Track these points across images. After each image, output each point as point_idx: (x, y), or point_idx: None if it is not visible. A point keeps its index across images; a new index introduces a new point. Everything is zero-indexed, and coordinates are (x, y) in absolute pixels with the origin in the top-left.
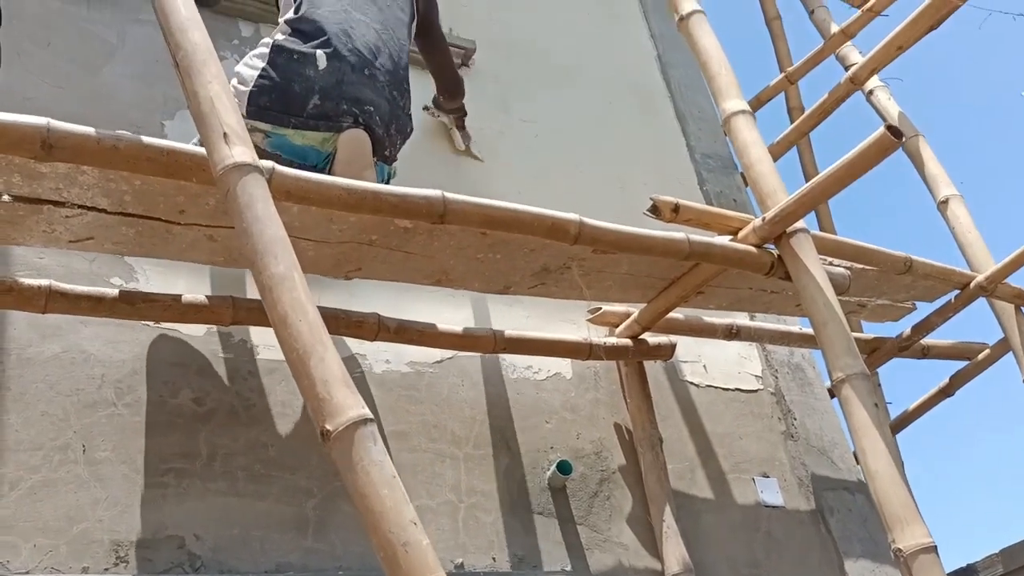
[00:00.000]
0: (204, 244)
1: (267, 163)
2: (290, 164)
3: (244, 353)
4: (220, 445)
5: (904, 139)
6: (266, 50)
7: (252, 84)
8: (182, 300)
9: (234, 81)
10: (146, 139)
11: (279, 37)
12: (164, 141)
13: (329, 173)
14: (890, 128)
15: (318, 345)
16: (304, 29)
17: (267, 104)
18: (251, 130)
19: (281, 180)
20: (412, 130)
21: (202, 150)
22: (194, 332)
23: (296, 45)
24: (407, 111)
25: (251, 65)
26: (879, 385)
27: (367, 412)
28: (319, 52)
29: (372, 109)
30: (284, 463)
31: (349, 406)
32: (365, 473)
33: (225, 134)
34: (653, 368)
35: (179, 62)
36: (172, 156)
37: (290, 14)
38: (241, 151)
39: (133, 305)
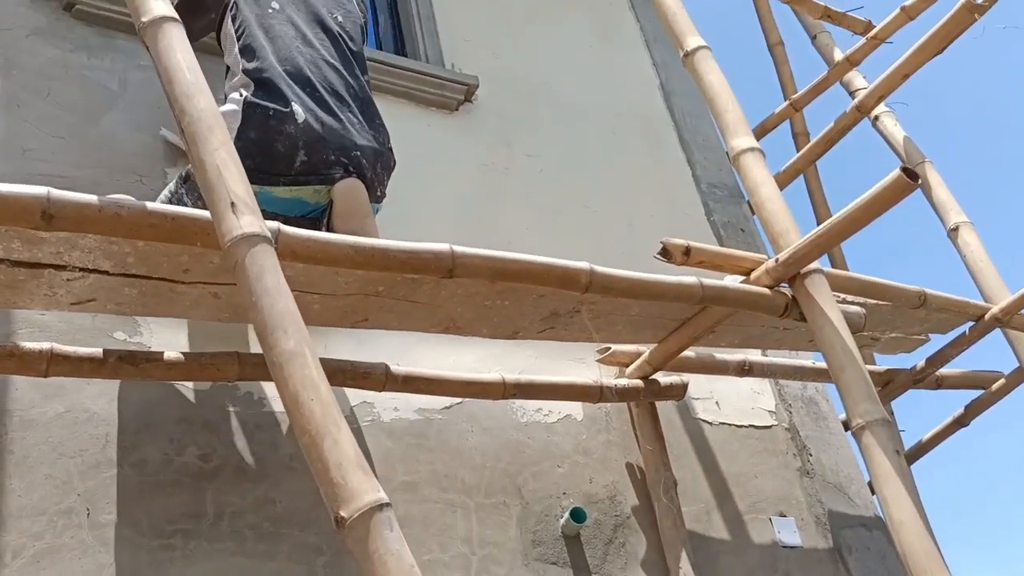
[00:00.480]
0: (209, 301)
1: (273, 224)
2: (274, 217)
3: (251, 406)
4: (227, 503)
5: (919, 181)
6: (236, 107)
7: None
8: (186, 358)
9: None
10: (150, 205)
11: (245, 95)
12: (168, 207)
13: (327, 224)
14: (905, 170)
15: (331, 426)
16: (267, 80)
17: (252, 167)
18: None
19: (288, 241)
20: (395, 163)
21: (207, 214)
22: (200, 386)
23: (267, 102)
24: (387, 145)
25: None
26: (892, 414)
27: (383, 496)
28: (295, 107)
29: (359, 154)
30: (293, 520)
31: (365, 491)
32: (382, 564)
33: (233, 203)
34: (665, 406)
35: (184, 128)
36: (177, 222)
37: (238, 59)
38: (249, 220)
39: (136, 366)
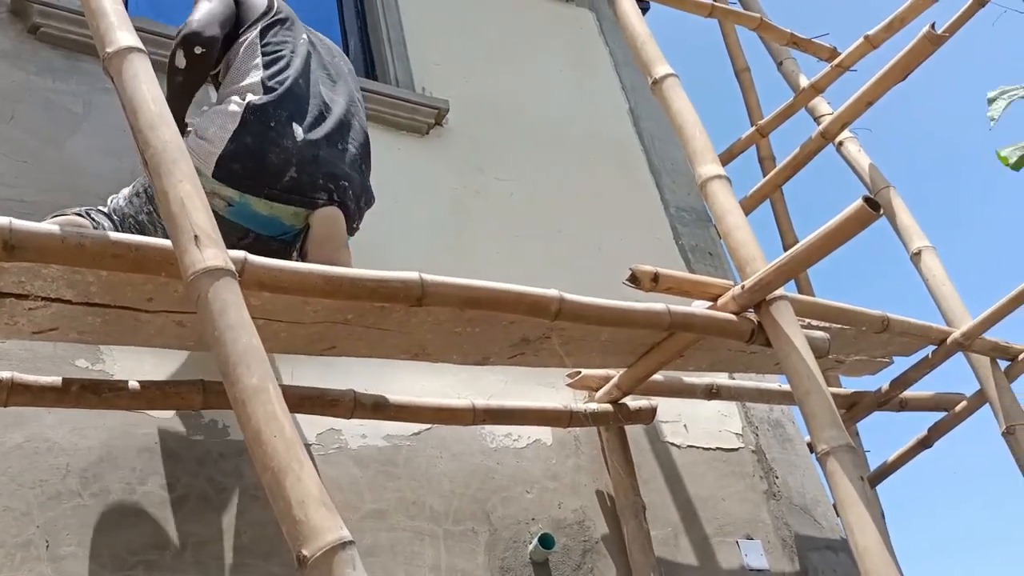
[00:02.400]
0: (173, 330)
1: (239, 254)
2: (245, 233)
3: (215, 434)
4: (191, 533)
5: (881, 211)
6: (238, 109)
7: (223, 146)
8: (150, 387)
9: (192, 136)
10: (113, 236)
11: (251, 99)
12: (131, 237)
13: (301, 249)
14: (868, 200)
15: (294, 463)
16: (283, 93)
17: (240, 171)
18: (212, 194)
19: (254, 271)
20: (374, 200)
21: (170, 244)
22: (163, 415)
23: (273, 110)
24: (369, 182)
25: (218, 124)
26: (857, 434)
27: (346, 534)
28: (295, 125)
29: (347, 184)
30: (258, 550)
31: (327, 529)
32: None
33: (196, 236)
34: (634, 429)
35: (148, 160)
36: (140, 252)
37: (258, 67)
38: (213, 254)
39: (99, 395)
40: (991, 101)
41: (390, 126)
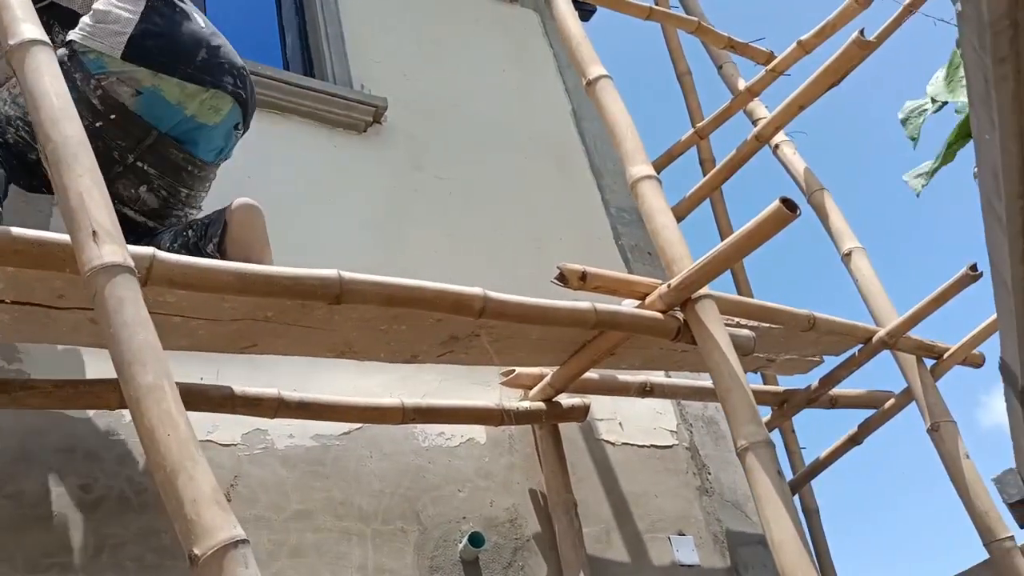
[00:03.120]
0: (86, 327)
1: (147, 250)
2: (147, 132)
3: (135, 434)
4: (109, 535)
5: (799, 212)
6: None
7: (134, 27)
8: (63, 386)
9: (87, 18)
10: (14, 231)
11: None
12: (35, 232)
13: (220, 246)
14: (785, 201)
15: (187, 461)
16: None
17: (154, 49)
18: (119, 82)
19: (163, 269)
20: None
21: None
22: (82, 414)
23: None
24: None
25: (121, 7)
26: (793, 431)
27: (239, 533)
28: (195, 15)
29: (245, 75)
30: (178, 551)
31: (219, 527)
32: None
33: (94, 232)
34: (570, 428)
35: (48, 155)
36: (44, 247)
37: None
38: (111, 250)
39: (10, 394)
40: (904, 122)
41: (327, 123)
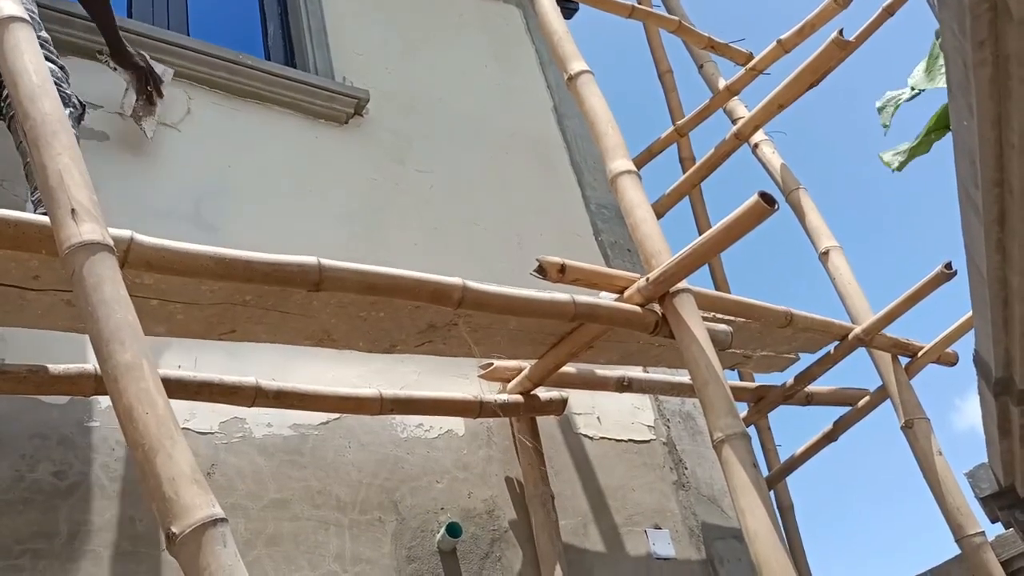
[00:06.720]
0: (62, 310)
1: (125, 233)
2: None
3: (111, 420)
4: (83, 521)
5: (777, 206)
6: None
7: None
8: (38, 371)
9: None
10: None
11: None
12: (10, 212)
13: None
14: (763, 195)
15: (166, 440)
16: None
17: None
18: None
19: (141, 251)
20: None
21: (48, 220)
22: (57, 400)
23: None
24: None
25: None
26: (769, 428)
27: (218, 511)
28: None
29: None
30: (153, 538)
31: (197, 506)
32: None
33: (73, 210)
34: (548, 421)
35: (27, 132)
36: (19, 228)
37: None
38: (90, 228)
39: None
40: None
41: (308, 114)
